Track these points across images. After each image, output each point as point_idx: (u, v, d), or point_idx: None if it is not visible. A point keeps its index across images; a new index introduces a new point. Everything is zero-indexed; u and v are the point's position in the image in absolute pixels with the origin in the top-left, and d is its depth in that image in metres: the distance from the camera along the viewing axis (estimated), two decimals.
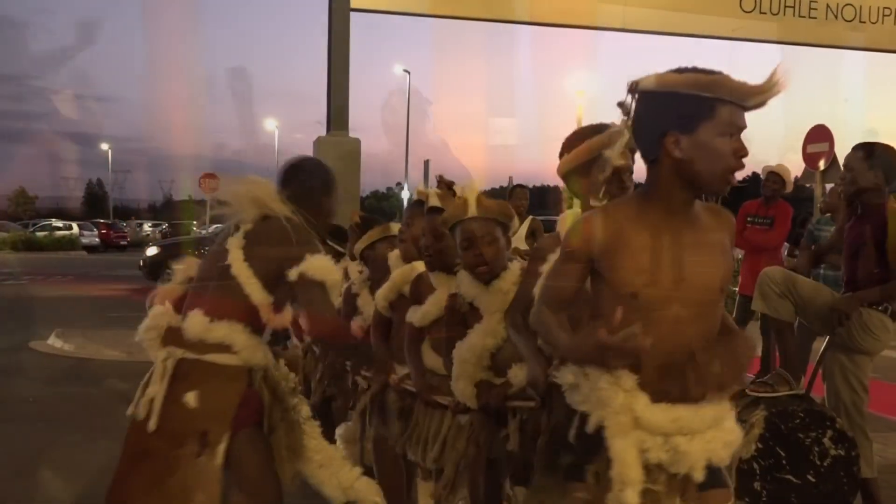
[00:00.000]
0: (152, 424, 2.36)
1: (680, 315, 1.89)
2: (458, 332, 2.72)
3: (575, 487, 1.89)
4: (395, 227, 3.82)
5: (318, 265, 2.45)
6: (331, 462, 2.64)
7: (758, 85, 1.82)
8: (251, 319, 2.49)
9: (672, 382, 1.89)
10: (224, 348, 2.44)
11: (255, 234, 2.53)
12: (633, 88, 1.86)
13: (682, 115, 1.81)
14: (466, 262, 2.68)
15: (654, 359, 1.84)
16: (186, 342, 2.44)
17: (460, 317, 2.75)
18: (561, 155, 2.43)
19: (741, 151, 1.85)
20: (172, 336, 2.49)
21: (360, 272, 3.95)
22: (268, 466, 2.50)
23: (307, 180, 2.70)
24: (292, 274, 2.44)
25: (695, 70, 1.83)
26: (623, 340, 1.69)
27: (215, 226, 23.09)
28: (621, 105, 1.90)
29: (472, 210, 2.65)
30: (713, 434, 1.90)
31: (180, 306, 2.58)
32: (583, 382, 1.90)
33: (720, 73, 1.82)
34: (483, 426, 2.66)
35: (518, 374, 2.50)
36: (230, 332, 2.45)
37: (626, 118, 1.89)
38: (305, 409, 2.70)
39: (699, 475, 1.87)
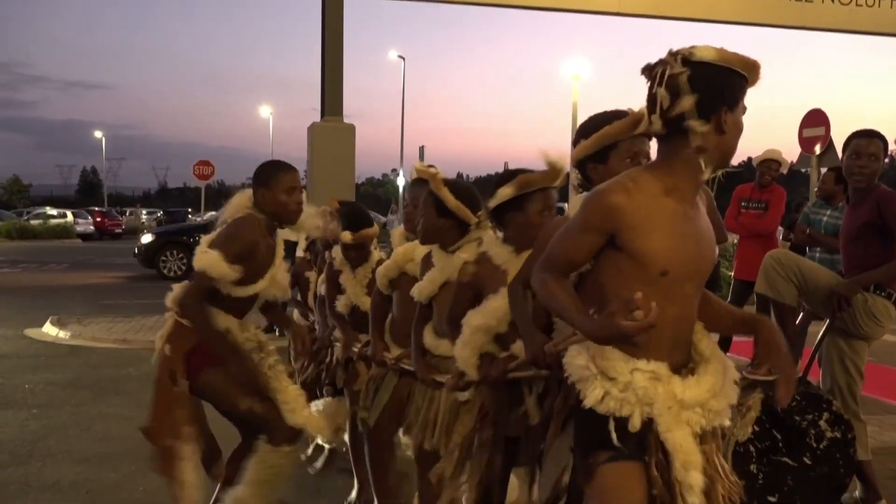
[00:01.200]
0: (155, 367, 3.16)
1: (689, 290, 1.94)
2: (463, 309, 2.69)
3: (617, 467, 1.89)
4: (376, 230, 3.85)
5: (200, 258, 3.06)
6: (296, 404, 3.24)
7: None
8: (207, 293, 3.10)
9: (681, 353, 1.97)
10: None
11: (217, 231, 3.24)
12: (687, 58, 1.82)
13: (733, 92, 1.85)
14: (537, 223, 2.60)
15: (666, 333, 1.87)
16: (174, 307, 3.16)
17: (469, 293, 2.71)
18: (576, 141, 2.36)
19: None
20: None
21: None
22: (227, 394, 3.15)
23: (253, 182, 3.24)
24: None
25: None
26: (645, 326, 1.68)
27: (209, 214, 23.09)
28: (649, 69, 1.87)
29: (561, 180, 2.58)
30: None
31: None
32: (612, 388, 1.88)
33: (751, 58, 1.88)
34: (495, 404, 2.62)
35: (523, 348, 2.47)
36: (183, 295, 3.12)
37: (657, 87, 1.84)
38: (270, 361, 3.27)
39: (727, 422, 1.99)
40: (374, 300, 3.48)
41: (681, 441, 1.86)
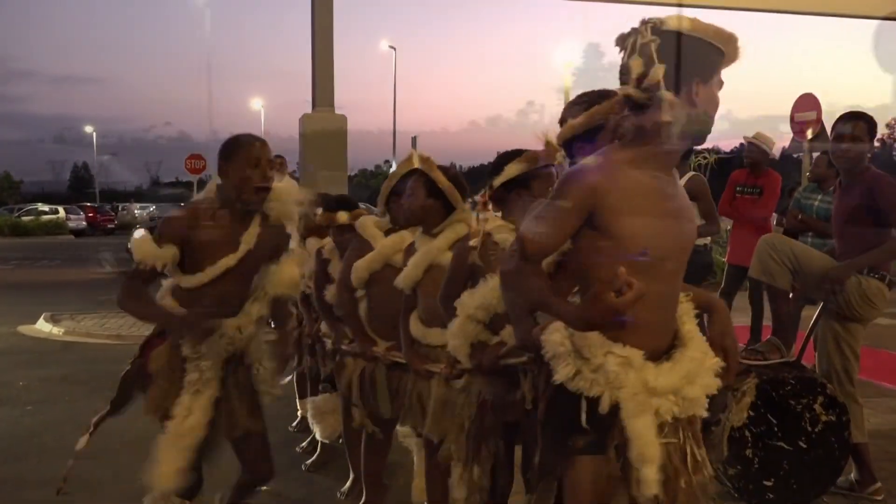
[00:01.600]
0: None
1: (671, 269, 1.90)
2: (458, 289, 2.66)
3: (594, 461, 1.88)
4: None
5: (133, 242, 2.75)
6: (172, 448, 2.76)
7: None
8: (142, 282, 2.77)
9: (666, 335, 1.93)
10: None
11: None
12: (658, 27, 1.78)
13: (707, 64, 1.81)
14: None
15: (650, 314, 1.83)
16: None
17: (465, 273, 2.69)
18: (563, 121, 2.34)
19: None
20: None
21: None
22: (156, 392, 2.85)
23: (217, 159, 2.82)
24: None
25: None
26: (632, 300, 1.63)
27: None
28: (623, 39, 1.84)
29: (559, 158, 2.55)
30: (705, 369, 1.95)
31: None
32: (583, 367, 1.85)
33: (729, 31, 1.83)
34: (491, 391, 2.61)
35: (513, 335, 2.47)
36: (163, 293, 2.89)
37: (631, 57, 1.80)
38: (192, 378, 2.77)
39: (704, 412, 1.94)
40: (345, 298, 3.45)
41: (641, 430, 1.82)
